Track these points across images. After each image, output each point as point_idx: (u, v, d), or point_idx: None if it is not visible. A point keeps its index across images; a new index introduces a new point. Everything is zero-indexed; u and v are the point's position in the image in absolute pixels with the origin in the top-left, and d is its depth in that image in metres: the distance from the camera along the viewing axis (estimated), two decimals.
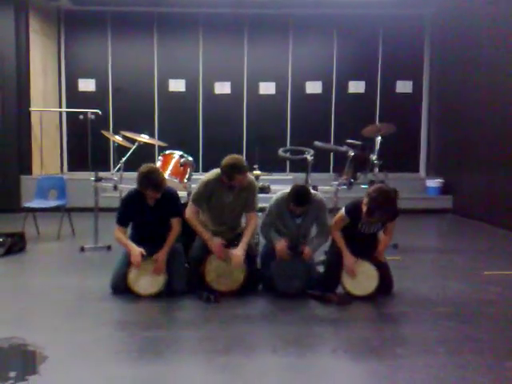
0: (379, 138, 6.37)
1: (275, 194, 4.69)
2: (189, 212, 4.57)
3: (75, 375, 3.03)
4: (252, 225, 4.63)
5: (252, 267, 4.62)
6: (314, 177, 6.28)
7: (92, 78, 10.54)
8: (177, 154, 5.72)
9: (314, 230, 4.81)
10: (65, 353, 3.33)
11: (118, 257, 4.70)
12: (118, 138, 6.41)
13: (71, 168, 10.58)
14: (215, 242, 4.46)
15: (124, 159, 6.23)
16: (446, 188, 9.87)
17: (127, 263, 4.47)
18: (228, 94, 10.64)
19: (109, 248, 6.26)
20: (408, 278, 5.18)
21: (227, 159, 4.45)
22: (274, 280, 4.51)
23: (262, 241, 4.97)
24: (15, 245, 6.11)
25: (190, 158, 5.77)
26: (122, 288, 4.47)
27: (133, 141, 6.34)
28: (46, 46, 10.00)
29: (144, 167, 4.46)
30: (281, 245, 4.48)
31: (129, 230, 4.70)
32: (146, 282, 4.45)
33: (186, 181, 5.70)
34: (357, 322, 4.05)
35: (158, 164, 5.66)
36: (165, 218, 4.59)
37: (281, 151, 6.50)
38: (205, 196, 4.56)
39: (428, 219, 9.29)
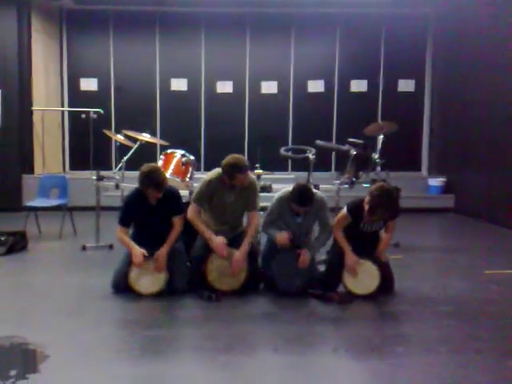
0: (381, 136, 6.38)
1: (277, 193, 4.69)
2: (191, 212, 4.57)
3: (76, 374, 3.03)
4: (254, 224, 4.63)
5: (253, 265, 4.62)
6: (316, 176, 6.28)
7: (94, 77, 10.53)
8: (178, 153, 5.73)
9: (315, 228, 4.81)
10: (66, 351, 3.34)
11: (119, 256, 4.71)
12: (120, 137, 6.41)
13: (73, 167, 10.57)
14: (217, 242, 4.45)
15: (126, 158, 6.24)
16: (447, 187, 9.86)
17: (129, 262, 4.47)
18: (230, 93, 10.63)
19: (110, 247, 6.26)
20: (409, 276, 5.18)
21: (228, 159, 4.45)
22: (276, 279, 4.51)
23: (264, 240, 4.96)
24: (17, 244, 6.12)
25: (192, 157, 5.77)
26: (123, 287, 4.47)
27: (135, 140, 6.35)
28: (48, 45, 10.00)
29: (145, 167, 4.46)
30: (282, 236, 4.47)
31: (130, 229, 4.70)
32: (148, 280, 4.45)
33: (187, 180, 5.69)
34: (358, 320, 4.05)
35: (160, 163, 5.66)
36: (167, 217, 4.59)
37: (283, 150, 6.50)
38: (206, 196, 4.57)
39: (430, 218, 9.27)
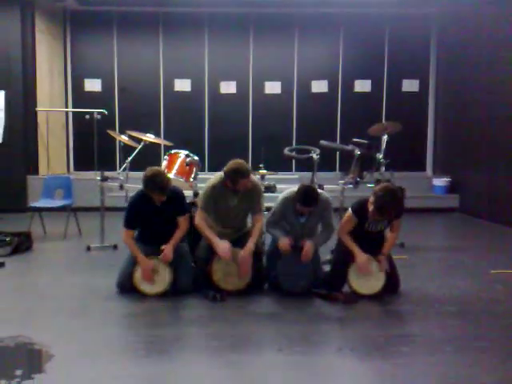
0: (385, 136, 6.36)
1: (282, 193, 4.68)
2: (198, 218, 4.58)
3: (81, 374, 3.04)
4: (258, 226, 4.63)
5: (258, 266, 4.62)
6: (320, 176, 6.27)
7: (98, 78, 10.55)
8: (183, 153, 5.73)
9: (318, 229, 4.80)
10: (71, 351, 3.35)
11: (124, 256, 4.72)
12: (124, 138, 6.42)
13: (77, 168, 10.59)
14: (222, 247, 4.43)
15: (130, 159, 6.24)
16: (452, 187, 9.83)
17: (133, 262, 4.48)
18: (233, 94, 10.63)
19: (115, 247, 6.27)
20: (415, 276, 5.17)
21: (230, 164, 4.46)
22: (280, 279, 4.51)
23: (268, 240, 4.96)
24: (22, 244, 6.13)
25: (196, 158, 5.77)
26: (128, 287, 4.47)
27: (139, 140, 6.35)
28: (52, 46, 10.02)
29: (149, 170, 4.45)
30: (284, 242, 4.47)
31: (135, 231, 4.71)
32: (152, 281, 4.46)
33: (191, 180, 5.70)
34: (363, 320, 4.04)
35: (164, 163, 5.67)
36: (171, 218, 4.59)
37: (287, 150, 6.49)
38: (211, 201, 4.57)
39: (435, 218, 9.25)
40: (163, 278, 4.47)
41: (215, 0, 10.09)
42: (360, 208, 4.43)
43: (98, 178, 6.21)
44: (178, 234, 4.57)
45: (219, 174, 4.59)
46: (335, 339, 3.64)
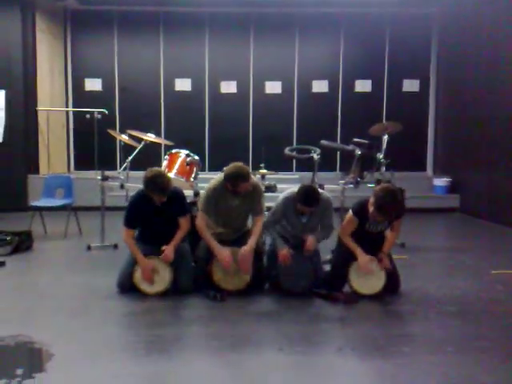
0: (386, 136, 6.36)
1: (283, 193, 4.68)
2: (199, 220, 4.57)
3: (82, 373, 3.04)
4: (258, 226, 4.63)
5: (259, 265, 4.61)
6: (321, 176, 6.26)
7: (98, 78, 10.55)
8: (183, 152, 5.72)
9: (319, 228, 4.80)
10: (71, 351, 3.35)
11: (124, 255, 4.71)
12: (125, 137, 6.42)
13: (78, 167, 10.58)
14: (223, 254, 4.42)
15: (130, 158, 6.24)
16: (453, 187, 9.82)
17: (134, 262, 4.48)
18: (234, 93, 10.63)
19: (115, 247, 6.27)
20: (415, 276, 5.16)
21: (230, 168, 4.46)
22: (280, 279, 4.51)
23: (269, 240, 4.96)
24: (22, 243, 6.13)
25: (197, 157, 5.77)
26: (128, 286, 4.47)
27: (139, 140, 6.35)
28: (52, 45, 10.03)
29: (149, 171, 4.44)
30: (283, 252, 4.46)
31: (136, 231, 4.71)
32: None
33: (192, 180, 5.69)
34: (363, 320, 4.04)
35: (165, 163, 5.67)
36: (171, 218, 4.59)
37: (287, 150, 6.50)
38: (212, 203, 4.57)
39: (435, 218, 9.24)
40: (163, 278, 4.46)
41: (216, 0, 10.09)
42: (360, 209, 4.43)
43: (99, 178, 6.21)
44: (179, 234, 4.57)
45: (220, 176, 4.58)
46: (336, 339, 3.64)
